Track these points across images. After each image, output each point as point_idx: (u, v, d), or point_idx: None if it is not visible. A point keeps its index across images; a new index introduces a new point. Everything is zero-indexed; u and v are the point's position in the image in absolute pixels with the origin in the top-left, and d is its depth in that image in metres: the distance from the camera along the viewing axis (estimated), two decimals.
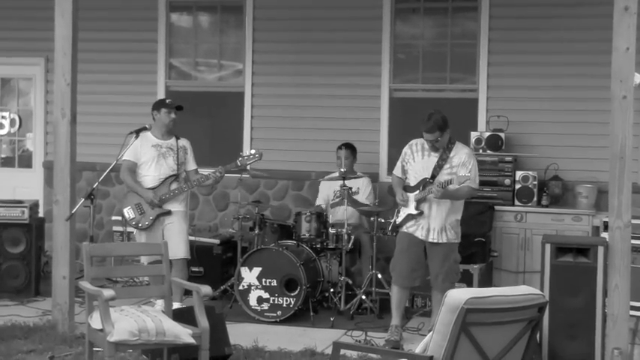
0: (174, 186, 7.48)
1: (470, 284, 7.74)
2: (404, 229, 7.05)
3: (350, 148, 8.66)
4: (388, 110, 9.19)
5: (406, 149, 7.16)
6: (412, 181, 7.05)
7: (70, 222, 7.02)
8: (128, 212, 7.49)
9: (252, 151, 7.62)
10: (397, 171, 7.23)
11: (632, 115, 6.04)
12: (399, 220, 7.12)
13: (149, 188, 7.43)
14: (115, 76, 9.89)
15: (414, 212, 6.97)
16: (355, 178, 8.34)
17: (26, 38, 10.04)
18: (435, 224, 6.93)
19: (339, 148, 8.65)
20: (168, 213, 7.43)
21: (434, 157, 6.96)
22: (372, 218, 8.11)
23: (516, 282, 8.14)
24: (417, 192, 6.96)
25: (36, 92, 10.33)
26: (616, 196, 6.01)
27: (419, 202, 6.94)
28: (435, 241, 6.94)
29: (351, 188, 8.11)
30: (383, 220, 7.99)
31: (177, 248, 7.27)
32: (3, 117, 10.48)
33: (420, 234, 6.97)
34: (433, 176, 6.89)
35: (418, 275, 7.05)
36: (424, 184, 6.92)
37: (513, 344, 4.16)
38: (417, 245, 7.00)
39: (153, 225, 7.41)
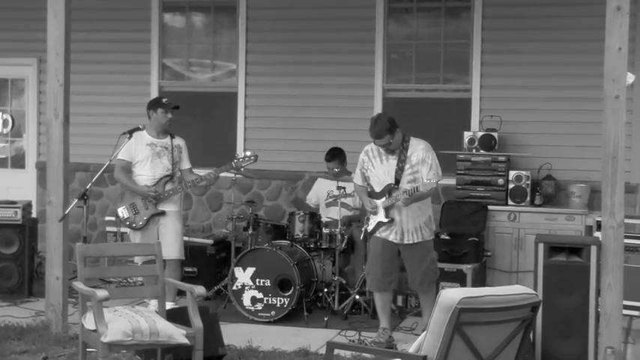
0: (168, 186, 7.47)
1: (463, 284, 7.74)
2: (377, 234, 6.95)
3: (337, 157, 8.51)
4: (381, 110, 9.17)
5: (362, 156, 7.02)
6: (376, 187, 6.93)
7: (63, 222, 7.01)
8: (122, 212, 7.49)
9: (248, 153, 7.57)
10: (357, 179, 7.09)
11: (625, 115, 6.04)
12: (370, 227, 7.02)
13: None
14: (108, 76, 9.87)
15: (385, 220, 6.86)
16: (351, 181, 8.30)
17: (19, 39, 10.03)
18: (408, 226, 6.83)
19: (326, 160, 8.52)
20: (162, 213, 7.42)
21: (392, 160, 6.84)
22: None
23: (510, 281, 8.15)
24: (384, 199, 6.85)
25: (29, 93, 10.31)
26: (609, 195, 6.01)
27: (387, 209, 6.84)
28: (411, 241, 6.84)
29: (344, 188, 8.10)
30: None
31: (171, 248, 7.27)
32: None
33: (393, 238, 6.88)
34: (397, 180, 6.79)
35: (392, 279, 6.97)
36: (389, 190, 6.81)
37: (507, 344, 4.17)
38: (391, 249, 6.91)
39: (147, 225, 7.41)
